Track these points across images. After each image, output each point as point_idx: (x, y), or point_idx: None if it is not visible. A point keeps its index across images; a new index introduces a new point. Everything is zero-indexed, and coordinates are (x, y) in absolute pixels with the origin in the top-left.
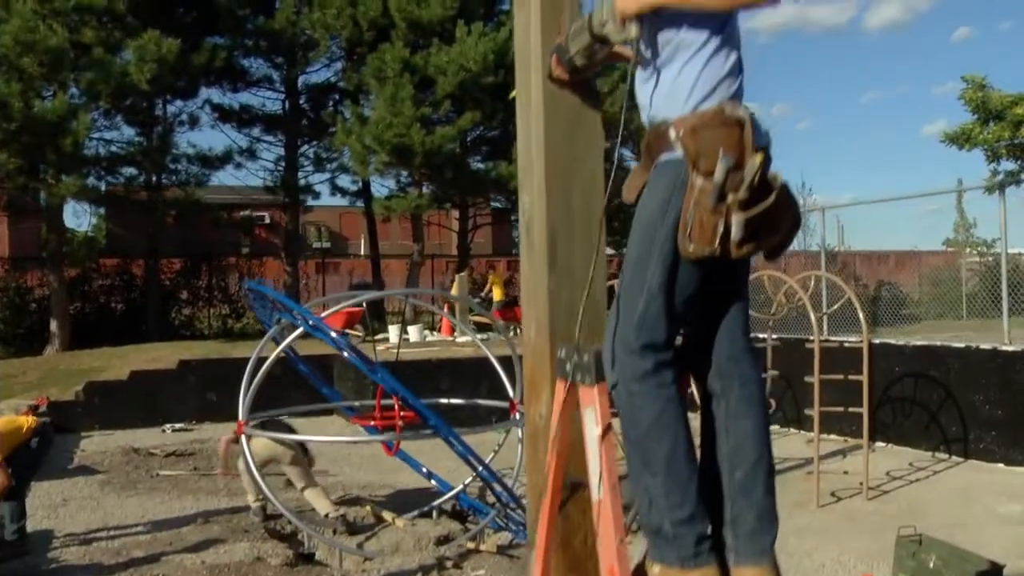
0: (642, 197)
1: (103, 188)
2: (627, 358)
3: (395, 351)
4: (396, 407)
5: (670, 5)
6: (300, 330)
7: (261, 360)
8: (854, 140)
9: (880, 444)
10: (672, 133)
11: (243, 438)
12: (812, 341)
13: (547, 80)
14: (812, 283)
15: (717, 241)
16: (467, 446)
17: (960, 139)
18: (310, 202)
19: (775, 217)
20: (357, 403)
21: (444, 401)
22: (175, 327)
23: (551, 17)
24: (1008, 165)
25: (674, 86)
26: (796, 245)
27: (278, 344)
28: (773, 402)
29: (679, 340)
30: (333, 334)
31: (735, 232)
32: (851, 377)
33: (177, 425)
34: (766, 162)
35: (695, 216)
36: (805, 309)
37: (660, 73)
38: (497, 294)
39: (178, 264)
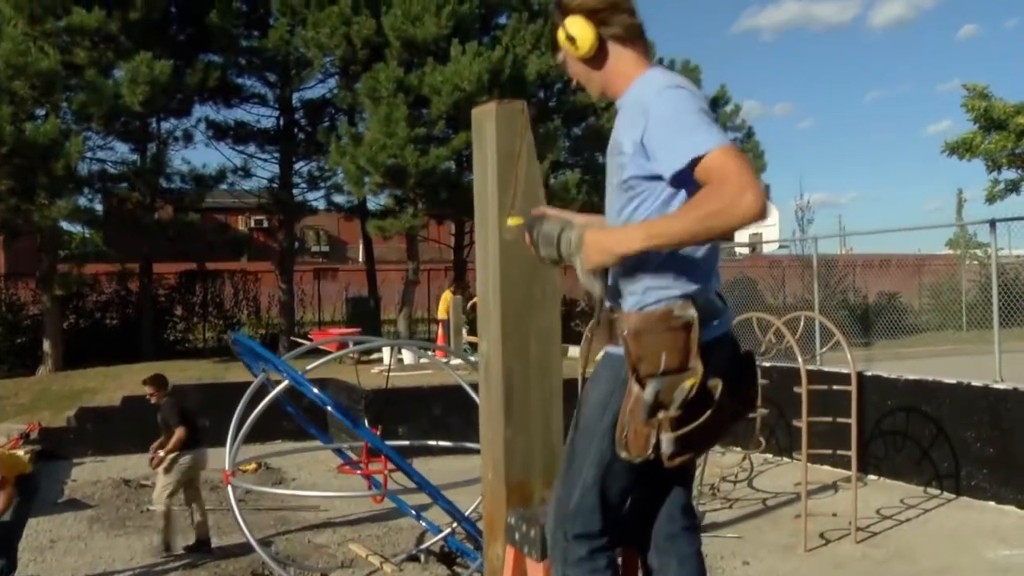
0: (589, 380)
1: (97, 208)
2: (562, 541)
3: (389, 374)
4: (383, 463)
5: (644, 248)
6: (285, 383)
7: (257, 395)
8: (856, 139)
9: (872, 477)
10: (618, 329)
11: (230, 488)
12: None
13: (505, 230)
14: (802, 322)
15: (650, 450)
16: (449, 502)
17: (961, 148)
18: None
19: (713, 428)
20: (347, 445)
21: (432, 443)
22: (170, 343)
23: (506, 167)
24: (1009, 175)
25: (625, 279)
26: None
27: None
28: (763, 440)
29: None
30: (315, 390)
31: (665, 447)
32: (839, 420)
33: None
34: (708, 372)
35: (630, 423)
36: (795, 349)
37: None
38: None
39: (172, 280)
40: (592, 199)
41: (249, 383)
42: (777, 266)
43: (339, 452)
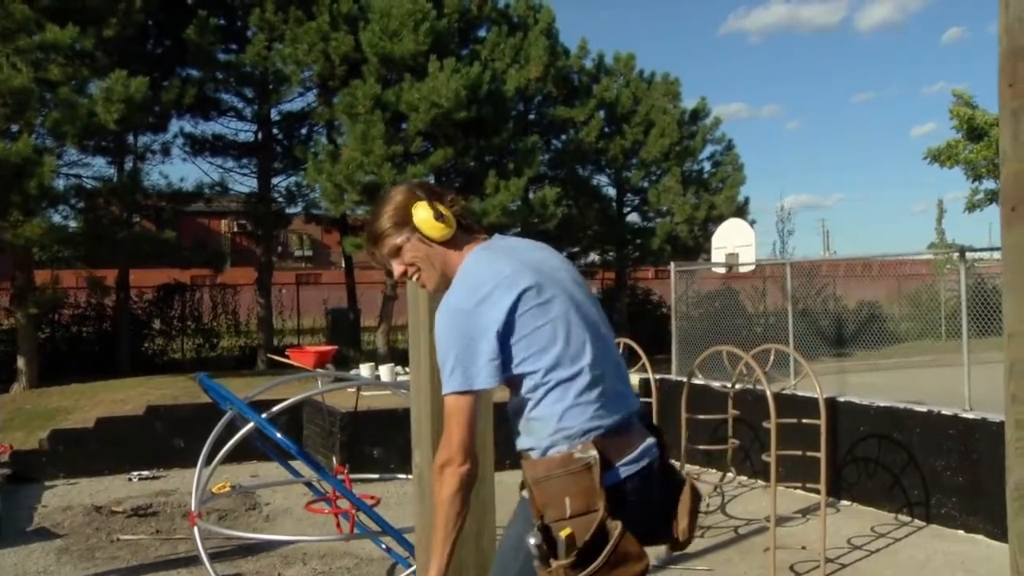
0: (510, 519)
1: (72, 225)
2: None
3: (359, 396)
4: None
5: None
6: (250, 424)
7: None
8: (843, 141)
9: (845, 503)
10: (524, 475)
11: (195, 530)
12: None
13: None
14: (772, 356)
15: None
16: (411, 545)
17: (943, 156)
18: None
19: (624, 562)
20: (317, 480)
21: (402, 477)
22: (148, 357)
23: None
24: (989, 184)
25: (527, 425)
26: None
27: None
28: (733, 472)
29: None
30: (278, 435)
31: None
32: (809, 454)
33: (144, 473)
34: (620, 511)
35: (537, 568)
36: (765, 384)
37: (524, 404)
38: None
39: (150, 293)
40: (571, 212)
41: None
42: (759, 275)
43: (310, 486)
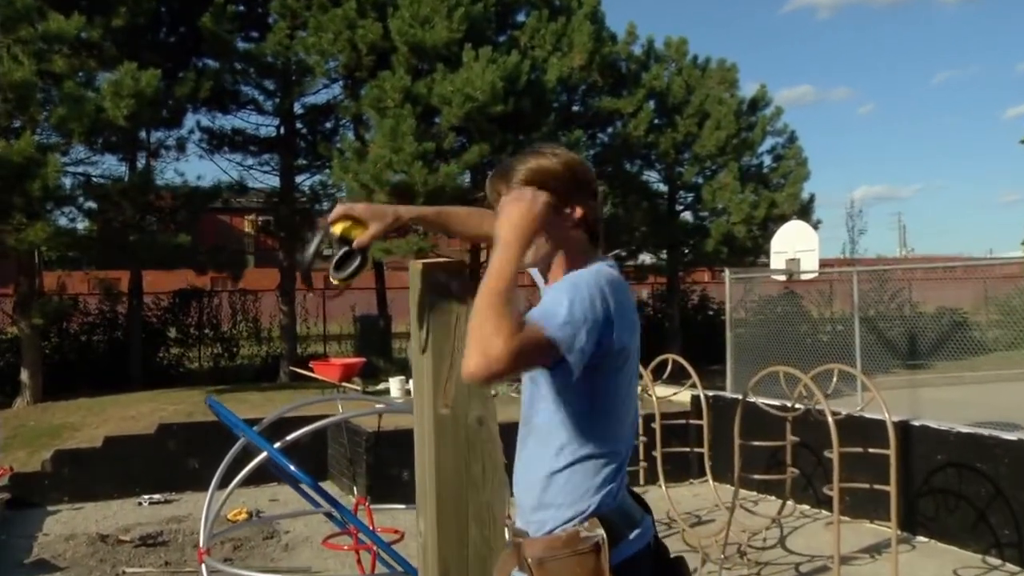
0: None
1: (79, 227)
2: None
3: (389, 415)
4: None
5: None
6: (264, 454)
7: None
8: (922, 125)
9: (921, 539)
10: (523, 555)
11: (203, 567)
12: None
13: (438, 405)
14: (835, 377)
15: None
16: None
17: None
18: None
19: None
20: (337, 514)
21: None
22: (163, 368)
23: (442, 336)
24: None
25: (528, 498)
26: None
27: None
28: (793, 503)
29: None
30: (292, 468)
31: None
32: (876, 487)
33: (155, 497)
34: None
35: None
36: (826, 410)
37: (555, 463)
38: None
39: (165, 300)
40: (618, 212)
41: (246, 420)
42: (825, 278)
43: (331, 516)
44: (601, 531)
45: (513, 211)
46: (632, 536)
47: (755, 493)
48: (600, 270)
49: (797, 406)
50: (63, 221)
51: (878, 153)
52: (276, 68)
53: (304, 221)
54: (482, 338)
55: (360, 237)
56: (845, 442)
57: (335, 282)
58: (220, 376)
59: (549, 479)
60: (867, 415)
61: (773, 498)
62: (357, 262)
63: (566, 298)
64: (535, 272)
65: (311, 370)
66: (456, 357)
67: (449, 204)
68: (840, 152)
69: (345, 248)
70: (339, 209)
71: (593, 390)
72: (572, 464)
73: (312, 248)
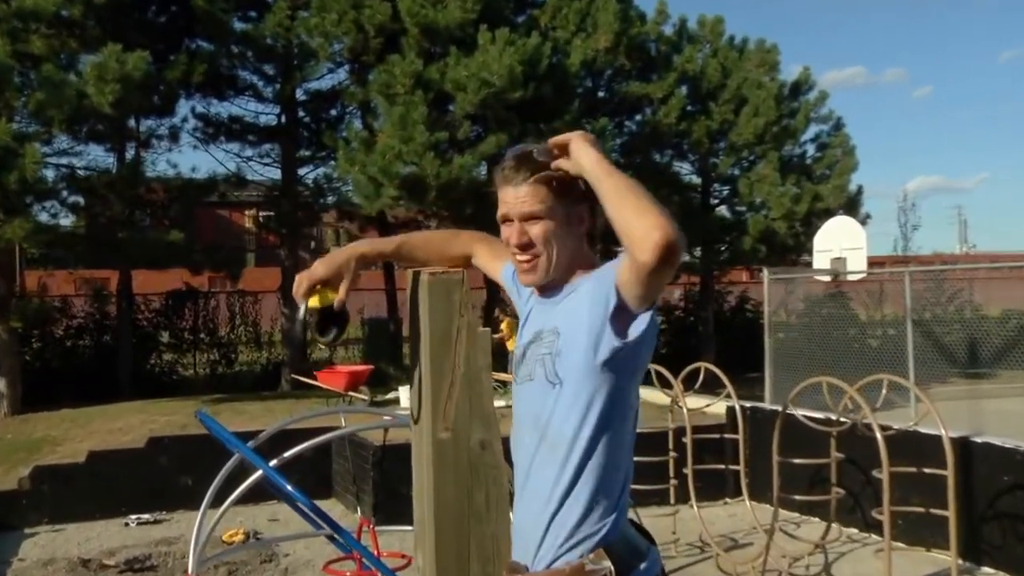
0: None
1: (64, 224)
2: None
3: (397, 428)
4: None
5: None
6: (259, 472)
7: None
8: (987, 109)
9: (987, 570)
10: None
11: None
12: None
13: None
14: (884, 389)
15: None
16: None
17: None
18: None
19: None
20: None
21: None
22: (154, 375)
23: (441, 353)
24: None
25: (527, 527)
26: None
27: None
28: (840, 527)
29: None
30: (289, 488)
31: None
32: (933, 511)
33: (144, 517)
34: None
35: None
36: (874, 425)
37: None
38: (511, 344)
39: (157, 301)
40: None
41: (243, 433)
42: (875, 276)
43: (333, 539)
44: (608, 563)
45: (595, 150)
46: (642, 568)
47: (796, 515)
48: None
49: (842, 420)
50: (45, 217)
51: (936, 141)
52: (276, 51)
53: (307, 217)
54: (659, 209)
55: (339, 296)
56: (897, 460)
57: (323, 347)
58: (217, 384)
59: (560, 500)
60: (922, 430)
61: (817, 520)
62: (340, 321)
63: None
64: (508, 278)
65: (315, 378)
66: (457, 374)
67: (464, 199)
68: (893, 140)
69: (324, 312)
70: (302, 283)
71: (619, 393)
72: (586, 484)
73: (299, 325)
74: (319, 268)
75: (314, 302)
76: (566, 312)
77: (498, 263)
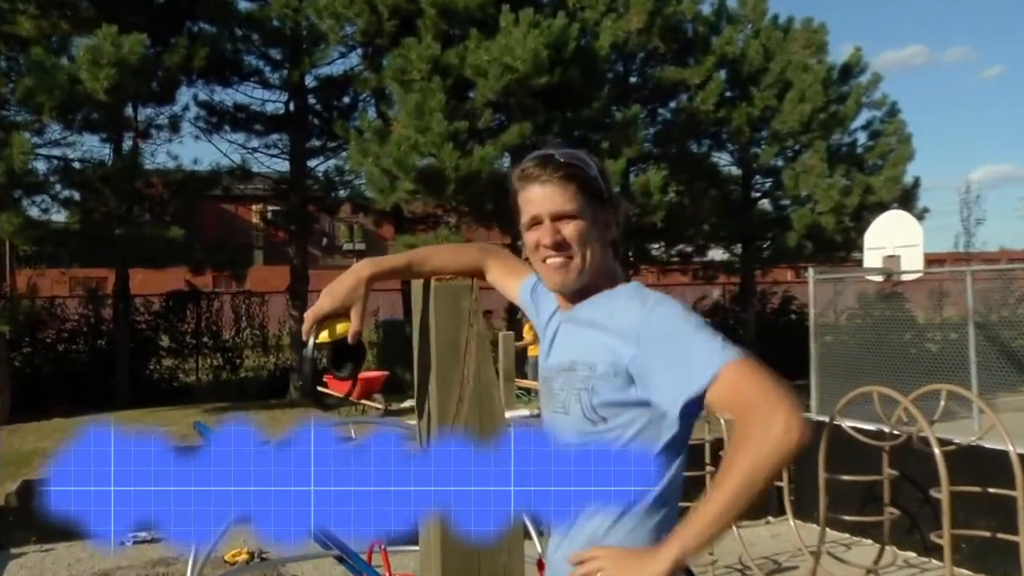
0: None
1: (56, 220)
2: None
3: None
4: None
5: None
6: None
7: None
8: None
9: None
10: None
11: None
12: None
13: None
14: (943, 399)
15: None
16: None
17: None
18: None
19: None
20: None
21: None
22: (153, 382)
23: (449, 364)
24: None
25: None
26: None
27: None
28: (896, 550)
29: None
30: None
31: None
32: (1000, 535)
33: (140, 535)
34: None
35: None
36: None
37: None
38: (532, 349)
39: (157, 303)
40: (683, 200)
41: None
42: (932, 278)
43: (341, 560)
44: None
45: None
46: None
47: (846, 536)
48: (649, 291)
49: (896, 433)
50: (35, 211)
51: (1006, 126)
52: (283, 34)
53: (318, 211)
54: (792, 399)
55: (352, 327)
56: (958, 479)
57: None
58: (221, 392)
59: (611, 526)
60: (986, 445)
61: (869, 543)
62: (356, 355)
63: (689, 326)
64: (526, 295)
65: (325, 385)
66: (466, 389)
67: (484, 192)
68: (955, 126)
69: (337, 346)
70: (311, 320)
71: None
72: (642, 526)
73: (307, 364)
74: (324, 301)
75: (324, 337)
76: (603, 348)
77: (514, 280)
